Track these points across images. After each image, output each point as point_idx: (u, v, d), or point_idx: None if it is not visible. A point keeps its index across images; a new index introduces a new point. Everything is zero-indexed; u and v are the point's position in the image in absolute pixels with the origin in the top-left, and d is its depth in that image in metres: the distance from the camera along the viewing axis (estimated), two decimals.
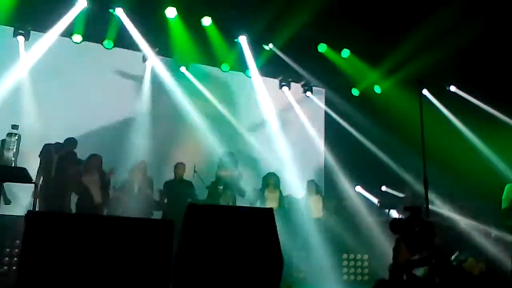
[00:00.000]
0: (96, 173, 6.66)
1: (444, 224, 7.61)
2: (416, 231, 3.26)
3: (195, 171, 7.41)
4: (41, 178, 6.15)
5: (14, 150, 3.46)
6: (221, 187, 7.13)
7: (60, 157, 6.25)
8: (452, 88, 10.27)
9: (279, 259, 3.03)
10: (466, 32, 8.27)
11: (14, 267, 5.89)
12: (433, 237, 3.31)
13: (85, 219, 2.92)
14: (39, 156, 6.29)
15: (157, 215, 7.12)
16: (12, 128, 3.53)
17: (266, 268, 3.00)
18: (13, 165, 3.43)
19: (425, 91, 9.25)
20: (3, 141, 3.48)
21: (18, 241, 5.88)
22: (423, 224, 3.30)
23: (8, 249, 6.03)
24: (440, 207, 8.30)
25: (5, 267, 6.05)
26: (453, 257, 4.62)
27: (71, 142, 6.63)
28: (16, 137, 3.49)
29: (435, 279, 3.70)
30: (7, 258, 6.06)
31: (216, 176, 7.36)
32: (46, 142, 6.51)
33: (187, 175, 7.48)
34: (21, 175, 3.36)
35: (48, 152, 6.25)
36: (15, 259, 5.90)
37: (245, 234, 3.10)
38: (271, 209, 3.32)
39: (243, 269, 2.97)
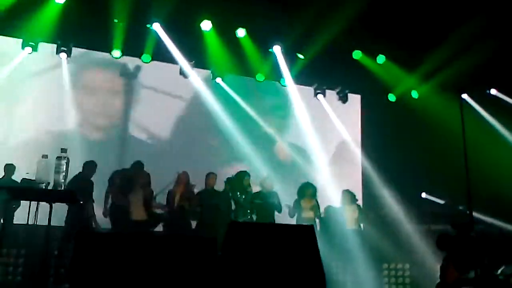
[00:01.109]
0: (141, 190, 6.76)
1: (488, 232, 7.39)
2: (465, 250, 3.18)
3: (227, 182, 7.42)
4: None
5: (64, 173, 3.61)
6: (259, 201, 7.12)
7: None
8: (493, 92, 9.98)
9: (321, 277, 3.04)
10: (503, 32, 8.08)
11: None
12: (483, 256, 3.22)
13: (131, 238, 3.00)
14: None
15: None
16: (61, 151, 3.67)
17: (308, 286, 3.01)
18: (63, 187, 3.58)
19: (464, 95, 9.03)
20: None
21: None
22: (472, 242, 3.22)
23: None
24: (483, 214, 8.08)
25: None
26: (499, 271, 4.48)
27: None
28: (65, 160, 3.63)
29: None
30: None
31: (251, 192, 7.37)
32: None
33: (219, 186, 7.45)
34: (71, 197, 3.52)
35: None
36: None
37: (287, 251, 3.11)
38: (311, 226, 3.32)
39: (284, 287, 2.99)
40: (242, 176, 7.21)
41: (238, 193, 7.06)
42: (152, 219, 6.78)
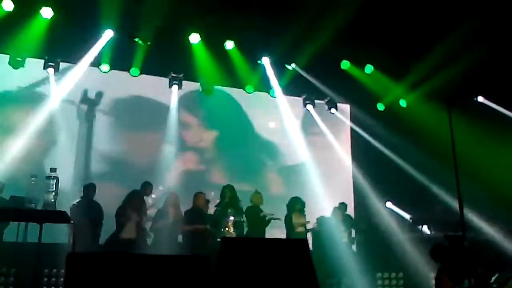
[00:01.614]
0: (134, 210, 6.70)
1: (481, 240, 7.43)
2: (459, 261, 3.19)
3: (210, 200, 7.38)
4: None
5: (54, 192, 3.56)
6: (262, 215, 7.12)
7: None
8: (480, 99, 10.08)
9: None
10: (490, 40, 8.19)
11: None
12: (477, 266, 3.23)
13: (122, 258, 2.97)
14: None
15: None
16: (51, 171, 3.63)
17: None
18: (53, 208, 3.53)
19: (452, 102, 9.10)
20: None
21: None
22: (466, 253, 3.22)
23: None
24: (475, 222, 8.12)
25: None
26: (493, 279, 4.49)
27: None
28: (55, 180, 3.59)
29: None
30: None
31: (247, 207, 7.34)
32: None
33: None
34: (62, 217, 3.48)
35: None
36: None
37: (281, 266, 3.10)
38: (305, 240, 3.33)
39: None
40: (223, 191, 7.19)
41: (220, 208, 6.99)
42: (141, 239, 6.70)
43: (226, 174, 8.80)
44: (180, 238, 7.04)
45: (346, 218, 7.88)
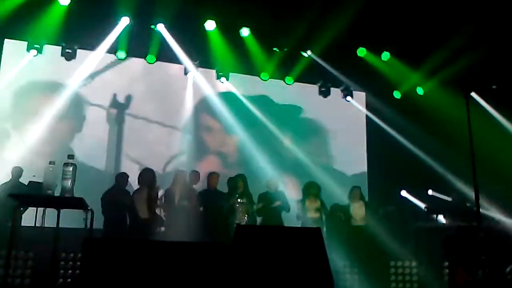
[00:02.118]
0: (145, 188, 6.76)
1: (496, 229, 7.35)
2: (473, 253, 3.17)
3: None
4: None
5: (71, 179, 3.62)
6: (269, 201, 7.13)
7: None
8: (499, 87, 9.90)
9: (329, 280, 3.04)
10: (508, 29, 8.04)
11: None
12: (491, 257, 3.20)
13: (138, 244, 3.02)
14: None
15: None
16: (68, 158, 3.69)
17: None
18: (71, 194, 3.60)
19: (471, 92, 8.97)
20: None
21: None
22: (479, 244, 3.20)
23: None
24: (491, 211, 8.04)
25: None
26: (508, 269, 4.46)
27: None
28: (72, 167, 3.65)
29: None
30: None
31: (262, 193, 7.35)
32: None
33: (222, 186, 7.39)
34: (79, 204, 3.54)
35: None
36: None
37: (294, 254, 3.12)
38: (318, 229, 3.33)
39: None
40: (236, 180, 7.15)
41: (237, 195, 6.98)
42: (155, 219, 6.77)
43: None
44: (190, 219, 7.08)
45: (362, 203, 7.85)
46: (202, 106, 9.15)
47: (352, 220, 7.66)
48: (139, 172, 6.98)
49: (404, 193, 9.26)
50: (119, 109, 8.66)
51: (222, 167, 8.80)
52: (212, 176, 7.31)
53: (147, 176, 6.78)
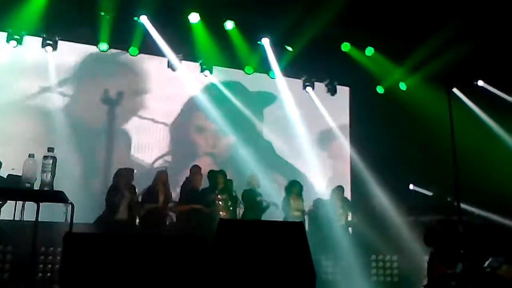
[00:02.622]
0: (126, 188, 6.69)
1: (475, 225, 7.46)
2: (451, 245, 3.21)
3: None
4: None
5: (51, 172, 3.56)
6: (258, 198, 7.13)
7: None
8: (480, 83, 10.05)
9: (311, 274, 3.05)
10: (492, 24, 8.13)
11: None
12: (470, 250, 3.25)
13: (120, 238, 2.99)
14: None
15: None
16: (48, 151, 3.62)
17: (299, 283, 3.02)
18: (51, 188, 3.53)
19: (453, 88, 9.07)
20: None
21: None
22: (458, 237, 3.24)
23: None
24: (471, 205, 8.16)
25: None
26: (486, 263, 4.53)
27: None
28: (52, 160, 3.58)
29: (469, 287, 3.66)
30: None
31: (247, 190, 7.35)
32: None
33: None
34: (59, 197, 3.49)
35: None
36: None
37: (276, 248, 3.12)
38: (301, 223, 3.33)
39: (275, 284, 2.99)
40: (216, 175, 7.14)
41: (217, 191, 6.98)
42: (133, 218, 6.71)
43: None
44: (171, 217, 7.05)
45: (344, 201, 7.94)
46: (186, 100, 9.08)
47: (338, 220, 7.71)
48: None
49: (412, 186, 9.33)
50: (102, 101, 8.55)
51: (208, 164, 8.74)
52: (195, 170, 7.24)
53: (122, 175, 6.73)
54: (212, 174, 7.17)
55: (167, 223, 6.99)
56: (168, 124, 8.88)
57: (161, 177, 6.96)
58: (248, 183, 7.43)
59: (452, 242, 3.30)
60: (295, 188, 7.54)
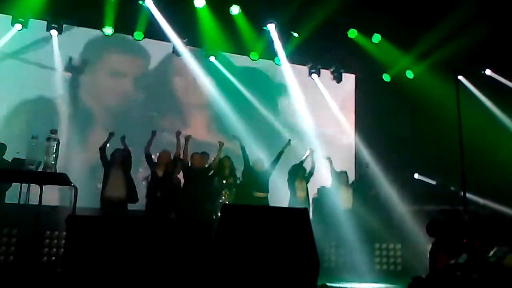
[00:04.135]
0: (120, 167, 6.68)
1: (480, 214, 7.44)
2: (454, 235, 3.18)
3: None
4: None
5: (54, 154, 3.54)
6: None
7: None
8: (488, 72, 9.95)
9: (315, 260, 3.04)
10: (498, 13, 8.02)
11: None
12: (473, 240, 3.22)
13: (122, 221, 2.98)
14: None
15: None
16: (51, 133, 3.60)
17: (302, 270, 3.01)
18: (53, 170, 3.52)
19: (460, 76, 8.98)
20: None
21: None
22: (461, 227, 3.21)
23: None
24: (476, 195, 8.13)
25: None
26: (491, 252, 4.50)
27: None
28: (56, 142, 3.56)
29: (473, 276, 3.63)
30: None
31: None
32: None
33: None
34: (62, 180, 3.47)
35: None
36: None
37: (281, 234, 3.11)
38: (305, 209, 3.32)
39: (278, 270, 2.99)
40: (222, 160, 7.10)
41: (217, 178, 6.97)
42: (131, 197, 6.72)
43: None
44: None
45: (347, 185, 7.93)
46: (190, 85, 9.04)
47: (340, 203, 7.69)
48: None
49: (417, 175, 9.30)
50: (105, 84, 8.53)
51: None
52: (194, 156, 7.16)
53: (119, 155, 6.71)
54: (219, 159, 7.14)
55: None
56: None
57: (163, 157, 6.94)
58: (252, 166, 7.39)
59: (455, 231, 3.26)
60: (300, 171, 7.52)
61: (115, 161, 6.68)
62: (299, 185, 7.46)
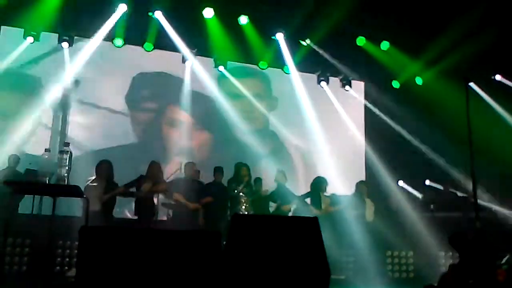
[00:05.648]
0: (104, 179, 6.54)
1: (492, 219, 7.38)
2: (481, 255, 3.09)
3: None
4: None
5: (67, 167, 3.60)
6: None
7: None
8: (498, 77, 9.90)
9: (325, 269, 3.04)
10: (507, 18, 7.99)
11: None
12: (494, 264, 3.14)
13: (134, 233, 3.01)
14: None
15: None
16: (64, 145, 3.67)
17: (313, 279, 3.01)
18: (66, 182, 3.58)
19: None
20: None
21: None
22: (488, 249, 3.13)
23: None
24: (488, 201, 8.07)
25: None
26: (504, 259, 4.47)
27: None
28: (68, 154, 3.63)
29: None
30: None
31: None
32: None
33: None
34: (75, 192, 3.53)
35: None
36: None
37: (291, 244, 3.12)
38: (315, 218, 3.32)
39: (289, 280, 3.00)
40: (241, 168, 7.06)
41: (234, 184, 6.93)
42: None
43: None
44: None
45: (369, 196, 7.89)
46: (200, 95, 9.10)
47: (366, 216, 7.65)
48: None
49: (401, 183, 9.25)
50: (117, 97, 8.62)
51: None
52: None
53: (102, 168, 6.52)
54: (238, 166, 7.13)
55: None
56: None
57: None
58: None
59: (482, 251, 3.19)
60: (323, 184, 7.56)
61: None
62: (324, 198, 7.50)
